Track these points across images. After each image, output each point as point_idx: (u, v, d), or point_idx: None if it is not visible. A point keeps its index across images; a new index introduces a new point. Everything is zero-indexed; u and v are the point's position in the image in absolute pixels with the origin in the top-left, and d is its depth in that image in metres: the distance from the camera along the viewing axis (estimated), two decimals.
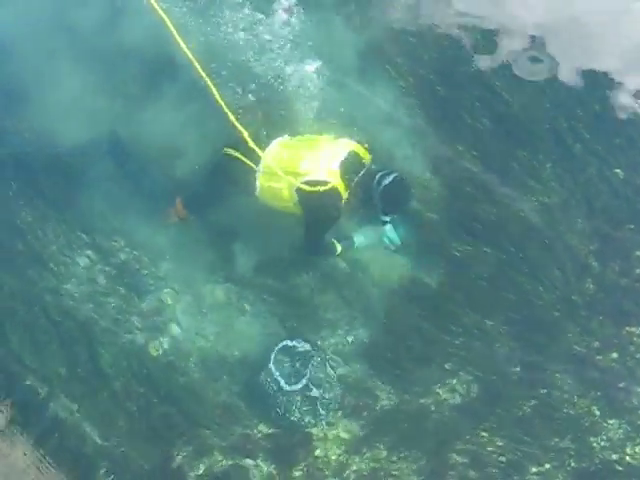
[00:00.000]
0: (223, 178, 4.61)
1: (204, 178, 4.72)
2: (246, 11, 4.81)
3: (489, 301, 4.85)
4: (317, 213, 4.39)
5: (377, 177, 4.34)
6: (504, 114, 5.23)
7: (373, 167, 4.43)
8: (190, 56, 4.15)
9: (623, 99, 5.17)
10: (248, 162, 4.48)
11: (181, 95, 4.90)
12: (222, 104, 4.23)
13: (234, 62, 4.70)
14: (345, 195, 4.38)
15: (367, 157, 4.47)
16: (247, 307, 4.88)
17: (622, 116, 5.14)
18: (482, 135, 5.22)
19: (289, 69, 4.71)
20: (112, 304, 4.90)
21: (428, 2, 5.51)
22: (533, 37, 5.33)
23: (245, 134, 4.34)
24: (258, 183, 4.49)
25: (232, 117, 4.27)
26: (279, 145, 4.52)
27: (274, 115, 4.70)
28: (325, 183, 4.31)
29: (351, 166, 4.38)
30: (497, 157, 5.16)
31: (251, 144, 4.37)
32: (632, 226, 4.96)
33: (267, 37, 4.76)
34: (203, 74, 4.18)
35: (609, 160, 5.08)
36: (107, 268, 5.00)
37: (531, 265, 4.91)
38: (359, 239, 4.71)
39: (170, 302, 4.92)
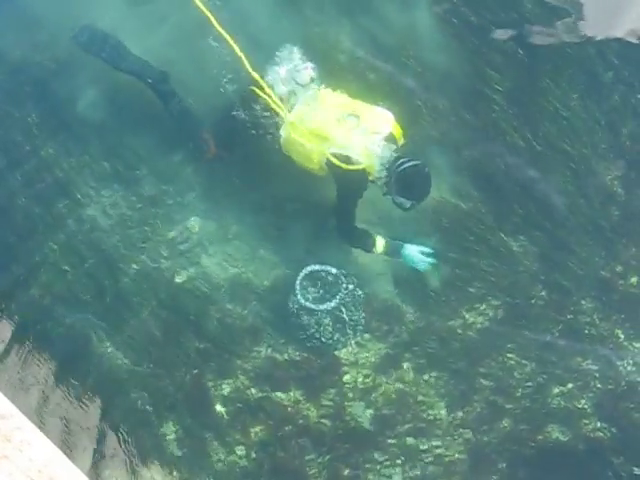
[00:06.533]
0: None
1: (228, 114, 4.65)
2: None
3: (516, 223, 4.88)
4: (343, 185, 4.41)
5: (400, 160, 4.27)
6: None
7: (397, 153, 4.34)
8: None
9: None
10: (273, 105, 4.40)
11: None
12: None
13: None
14: (373, 173, 4.37)
15: (400, 138, 4.44)
16: (273, 232, 4.88)
17: None
18: None
19: None
20: (138, 234, 4.91)
21: None
22: None
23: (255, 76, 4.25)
24: (283, 132, 4.46)
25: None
26: (313, 98, 4.44)
27: None
28: (356, 162, 4.28)
29: (388, 149, 4.33)
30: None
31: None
32: None
33: None
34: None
35: (635, 86, 5.07)
36: (132, 198, 5.00)
37: (554, 189, 4.92)
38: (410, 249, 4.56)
39: (196, 230, 4.92)
